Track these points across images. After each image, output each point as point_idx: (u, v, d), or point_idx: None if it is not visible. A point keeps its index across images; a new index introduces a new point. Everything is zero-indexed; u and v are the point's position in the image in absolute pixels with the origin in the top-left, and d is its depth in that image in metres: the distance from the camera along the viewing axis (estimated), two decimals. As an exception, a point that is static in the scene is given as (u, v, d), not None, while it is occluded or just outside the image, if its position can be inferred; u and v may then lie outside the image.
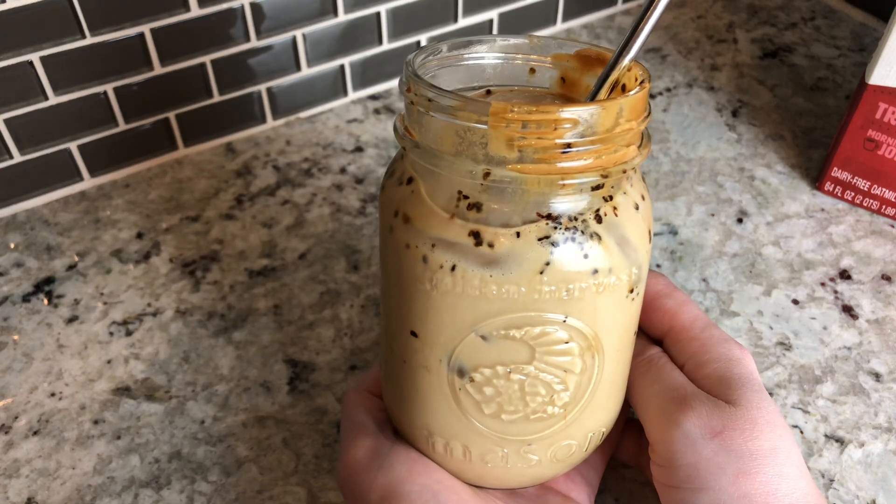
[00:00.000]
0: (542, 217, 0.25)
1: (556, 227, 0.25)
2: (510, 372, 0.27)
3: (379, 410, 0.32)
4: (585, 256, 0.25)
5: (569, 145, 0.24)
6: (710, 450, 0.27)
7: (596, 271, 0.25)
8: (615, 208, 0.26)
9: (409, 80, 0.26)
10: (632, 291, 0.27)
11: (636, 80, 0.27)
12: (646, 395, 0.30)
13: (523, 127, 0.23)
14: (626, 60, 0.26)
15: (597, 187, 0.25)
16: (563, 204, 0.25)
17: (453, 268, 0.25)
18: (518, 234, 0.25)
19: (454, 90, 0.29)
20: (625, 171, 0.25)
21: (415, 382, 0.29)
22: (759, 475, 0.27)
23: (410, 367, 0.28)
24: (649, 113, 0.26)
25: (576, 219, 0.25)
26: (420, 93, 0.25)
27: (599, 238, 0.25)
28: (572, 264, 0.25)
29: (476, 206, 0.25)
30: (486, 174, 0.24)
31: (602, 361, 0.28)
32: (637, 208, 0.27)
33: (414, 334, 0.28)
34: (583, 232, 0.25)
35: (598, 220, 0.25)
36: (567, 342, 0.26)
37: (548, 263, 0.25)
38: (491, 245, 0.25)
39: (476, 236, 0.25)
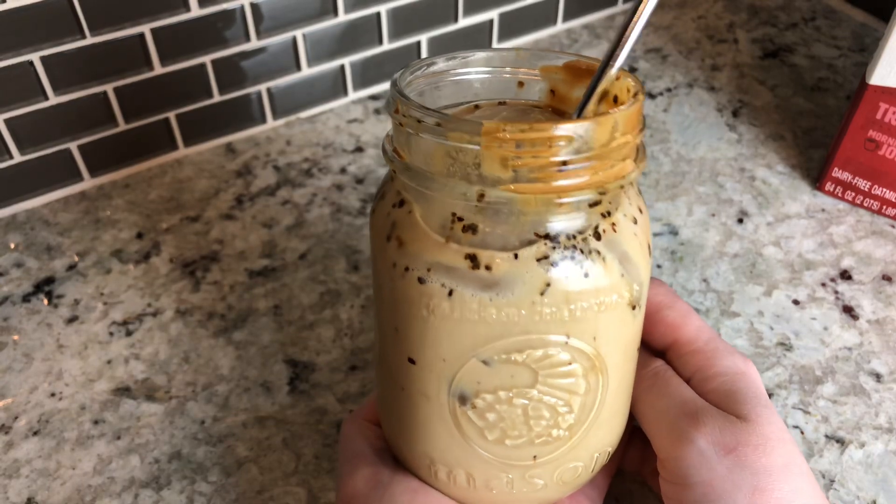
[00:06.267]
0: (541, 237, 0.24)
1: (554, 247, 0.24)
2: (513, 396, 0.26)
3: (377, 438, 0.31)
4: (586, 275, 0.24)
5: (565, 163, 0.23)
6: (725, 467, 0.27)
7: (597, 290, 0.25)
8: (614, 224, 0.25)
9: (397, 100, 0.25)
10: (634, 308, 0.26)
11: (629, 91, 0.26)
12: (654, 409, 0.30)
13: (517, 146, 0.23)
14: (614, 70, 0.25)
15: (594, 204, 0.24)
16: (561, 223, 0.24)
17: (450, 293, 0.25)
18: (516, 256, 0.24)
19: (442, 107, 0.29)
20: (622, 187, 0.25)
21: (414, 410, 0.28)
22: (774, 491, 0.26)
23: (409, 394, 0.28)
24: (644, 126, 0.25)
25: (574, 237, 0.24)
26: (408, 113, 0.24)
27: (599, 255, 0.25)
28: (573, 284, 0.24)
29: (471, 228, 0.24)
30: (481, 196, 0.23)
31: (606, 381, 0.27)
32: (635, 222, 0.26)
33: (412, 361, 0.27)
34: (582, 250, 0.24)
35: (598, 237, 0.25)
36: (570, 363, 0.26)
37: (548, 284, 0.24)
38: (489, 268, 0.24)
39: (473, 259, 0.24)
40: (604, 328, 0.26)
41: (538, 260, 0.24)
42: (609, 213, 0.25)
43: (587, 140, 0.23)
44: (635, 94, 0.25)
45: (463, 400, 0.26)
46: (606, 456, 0.30)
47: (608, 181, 0.24)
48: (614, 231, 0.25)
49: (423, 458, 0.29)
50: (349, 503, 0.29)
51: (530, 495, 0.29)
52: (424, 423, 0.28)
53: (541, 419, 0.27)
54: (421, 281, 0.25)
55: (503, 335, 0.25)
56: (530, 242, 0.24)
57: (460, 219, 0.24)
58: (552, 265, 0.24)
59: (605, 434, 0.29)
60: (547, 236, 0.24)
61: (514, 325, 0.25)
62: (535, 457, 0.28)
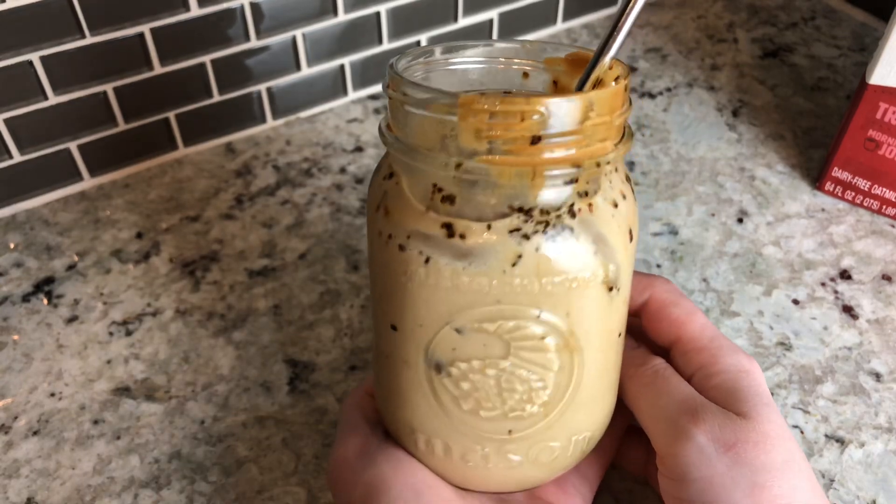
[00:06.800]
0: (514, 210, 0.25)
1: (527, 220, 0.25)
2: (485, 366, 0.27)
3: (373, 411, 0.32)
4: (558, 251, 0.25)
5: (538, 138, 0.24)
6: (724, 463, 0.27)
7: (569, 266, 0.25)
8: (591, 205, 0.26)
9: (390, 77, 0.26)
10: (611, 290, 0.27)
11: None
12: (653, 406, 0.30)
13: (491, 118, 0.24)
14: (607, 59, 0.26)
15: (570, 182, 0.25)
16: (536, 197, 0.25)
17: (427, 260, 0.26)
18: (489, 227, 0.25)
19: None
20: (599, 166, 0.25)
21: (396, 377, 0.29)
22: (773, 489, 0.27)
23: (392, 361, 0.29)
24: (627, 108, 0.26)
25: (548, 213, 0.25)
26: (397, 88, 0.26)
27: (573, 232, 0.25)
28: (544, 258, 0.25)
29: (450, 199, 0.25)
30: (458, 166, 0.25)
31: (581, 361, 0.27)
32: (616, 206, 0.27)
33: (394, 328, 0.28)
34: (555, 226, 0.25)
35: (572, 215, 0.25)
36: (542, 338, 0.26)
37: (520, 256, 0.25)
38: (463, 237, 0.25)
39: (448, 228, 0.25)
40: (577, 305, 0.26)
41: (510, 232, 0.25)
42: (587, 194, 0.26)
43: (560, 116, 0.24)
44: (616, 79, 0.26)
45: (439, 368, 0.27)
46: (586, 442, 0.30)
47: (583, 159, 0.25)
48: (590, 212, 0.26)
49: (405, 427, 0.30)
50: (337, 469, 0.30)
51: (506, 472, 0.29)
52: (406, 390, 0.29)
53: (514, 392, 0.27)
54: (401, 248, 0.26)
55: (475, 304, 0.26)
56: (504, 215, 0.25)
57: (440, 189, 0.25)
58: (524, 238, 0.25)
59: (584, 417, 0.29)
60: (521, 209, 0.25)
61: (485, 294, 0.26)
62: (510, 431, 0.28)
